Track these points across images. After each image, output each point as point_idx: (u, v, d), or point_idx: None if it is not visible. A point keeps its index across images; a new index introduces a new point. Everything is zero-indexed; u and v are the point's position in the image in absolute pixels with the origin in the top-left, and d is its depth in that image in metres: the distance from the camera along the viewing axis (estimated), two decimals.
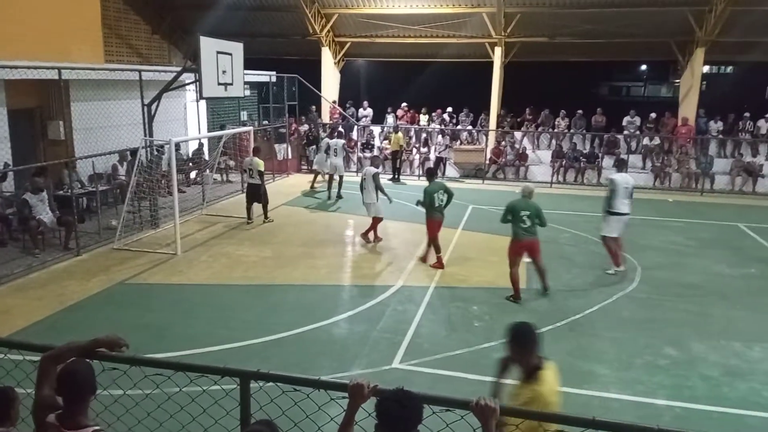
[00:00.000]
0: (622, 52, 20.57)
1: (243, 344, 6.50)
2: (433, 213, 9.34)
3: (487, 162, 17.78)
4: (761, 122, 17.61)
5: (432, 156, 18.03)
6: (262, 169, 11.80)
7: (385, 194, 10.62)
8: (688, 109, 17.81)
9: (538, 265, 8.19)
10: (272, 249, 10.28)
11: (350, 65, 24.11)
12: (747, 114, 17.88)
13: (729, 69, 39.06)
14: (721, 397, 5.66)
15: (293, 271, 9.14)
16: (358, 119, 20.11)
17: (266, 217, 12.04)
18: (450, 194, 9.35)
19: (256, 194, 11.86)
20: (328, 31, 19.57)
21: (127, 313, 7.40)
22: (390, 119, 19.79)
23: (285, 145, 17.86)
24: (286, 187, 15.96)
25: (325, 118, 19.94)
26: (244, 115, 18.35)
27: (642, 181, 16.86)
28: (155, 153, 11.49)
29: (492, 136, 18.54)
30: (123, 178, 12.47)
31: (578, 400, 5.48)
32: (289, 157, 17.97)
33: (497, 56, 18.61)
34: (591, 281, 8.92)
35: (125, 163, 12.71)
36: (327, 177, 14.73)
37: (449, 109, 19.75)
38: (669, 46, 18.13)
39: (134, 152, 11.24)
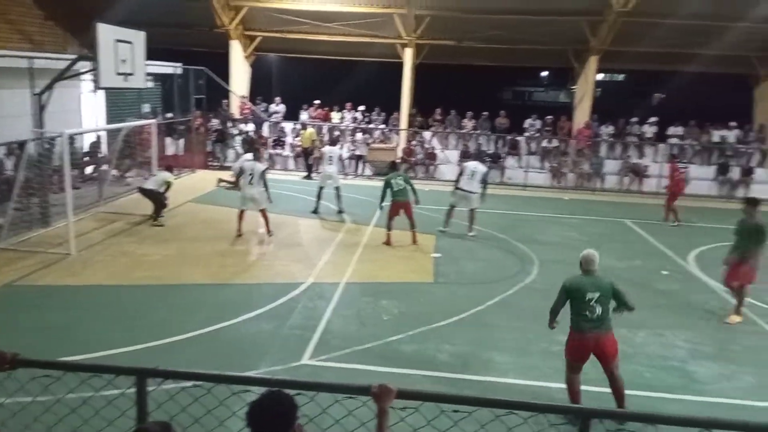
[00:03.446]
0: (524, 59, 21.65)
1: (145, 346, 6.23)
2: (393, 196, 10.59)
3: (399, 161, 18.09)
4: (646, 127, 19.18)
5: (344, 153, 18.10)
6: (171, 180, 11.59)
7: (268, 192, 10.70)
8: (583, 113, 19.07)
9: (614, 377, 5.32)
10: (177, 247, 9.91)
11: (262, 60, 23.65)
12: (635, 119, 19.41)
13: (621, 77, 42.25)
14: (605, 379, 6.13)
15: (200, 270, 8.88)
16: (269, 115, 19.80)
17: (156, 219, 11.30)
18: (408, 182, 10.77)
19: (151, 195, 11.35)
20: (238, 24, 19.10)
21: (15, 317, 6.87)
22: (304, 116, 19.66)
23: (179, 140, 17.09)
24: (193, 184, 15.42)
25: (236, 113, 19.46)
26: (146, 108, 17.49)
27: (540, 180, 17.91)
28: (46, 146, 10.71)
29: (403, 135, 18.90)
30: (10, 172, 11.53)
31: (480, 387, 5.75)
32: (181, 152, 17.18)
33: (408, 57, 18.99)
34: (494, 274, 9.35)
35: (13, 157, 11.75)
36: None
37: (361, 107, 19.91)
38: (566, 53, 19.34)
39: (22, 145, 10.42)
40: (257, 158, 11.24)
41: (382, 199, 10.92)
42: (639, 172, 17.89)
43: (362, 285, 8.58)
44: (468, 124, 19.49)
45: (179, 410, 2.82)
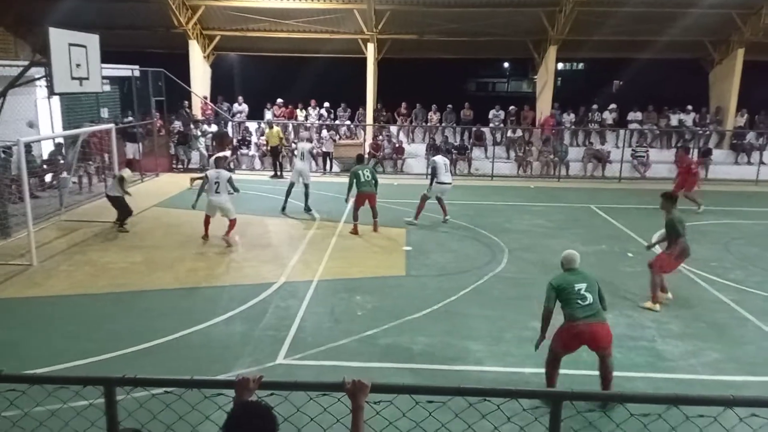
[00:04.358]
0: (485, 50, 21.86)
1: (112, 356, 6.09)
2: (360, 187, 11.00)
3: (367, 156, 18.08)
4: (606, 114, 19.58)
5: (314, 150, 18.01)
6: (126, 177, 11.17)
7: (236, 190, 10.71)
8: (545, 103, 19.35)
9: (605, 363, 5.35)
10: (143, 253, 9.71)
11: (223, 60, 23.30)
12: (595, 106, 19.79)
13: (581, 65, 43.02)
14: (577, 361, 6.24)
15: (167, 275, 8.72)
16: (232, 115, 19.54)
17: (121, 225, 11.00)
18: (374, 174, 11.24)
19: (116, 202, 11.00)
20: (196, 24, 18.77)
21: None
22: (268, 115, 19.46)
23: (139, 143, 16.69)
24: (157, 188, 15.13)
25: (198, 114, 19.14)
26: (104, 113, 17.04)
27: (507, 170, 18.13)
28: (2, 155, 10.36)
29: (369, 130, 18.89)
30: None
31: (455, 376, 5.80)
32: (140, 157, 16.71)
33: (370, 52, 18.97)
34: (465, 264, 9.43)
35: None
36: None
37: (326, 104, 19.81)
38: (526, 44, 19.58)
39: None
40: (221, 164, 10.96)
41: (349, 191, 11.27)
42: (601, 158, 18.26)
43: (335, 282, 8.56)
44: (433, 117, 19.59)
45: (150, 418, 2.77)
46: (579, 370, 5.81)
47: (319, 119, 19.35)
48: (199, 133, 17.95)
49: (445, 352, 6.39)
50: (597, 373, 5.39)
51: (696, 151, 17.92)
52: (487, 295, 8.15)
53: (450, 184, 11.92)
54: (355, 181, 11.09)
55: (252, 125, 19.35)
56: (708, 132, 19.01)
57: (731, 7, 16.91)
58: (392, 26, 18.58)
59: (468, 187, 15.60)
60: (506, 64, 46.44)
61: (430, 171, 12.20)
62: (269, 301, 7.75)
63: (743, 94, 18.80)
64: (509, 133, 19.09)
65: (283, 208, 12.56)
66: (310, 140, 13.54)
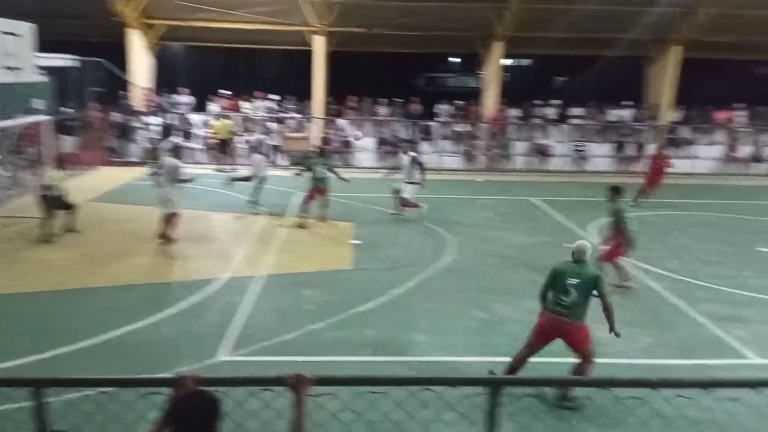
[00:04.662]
0: (434, 45, 22.02)
1: (47, 356, 5.86)
2: (314, 183, 11.14)
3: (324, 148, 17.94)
4: (550, 109, 20.12)
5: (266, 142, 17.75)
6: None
7: (187, 180, 9.83)
8: (492, 98, 19.70)
9: (581, 357, 5.33)
10: (82, 250, 9.35)
11: (169, 50, 22.56)
12: (539, 101, 20.29)
13: (527, 62, 43.92)
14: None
15: (107, 272, 8.42)
16: (175, 107, 18.99)
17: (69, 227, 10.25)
18: (331, 169, 11.34)
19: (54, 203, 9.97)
20: (139, 13, 18.11)
21: None
22: (213, 107, 19.02)
23: (76, 136, 16.00)
24: (96, 182, 14.56)
25: (139, 105, 18.51)
26: (38, 104, 16.24)
27: (454, 163, 18.40)
28: None
29: (318, 123, 18.75)
30: None
31: (400, 367, 5.88)
32: (78, 149, 16.07)
33: (319, 45, 18.81)
34: (413, 257, 9.53)
35: None
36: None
37: (274, 96, 19.53)
38: (473, 40, 19.86)
39: None
40: (175, 152, 10.11)
41: (302, 174, 11.47)
42: (544, 152, 18.77)
43: (282, 276, 8.49)
44: (383, 111, 19.63)
45: (83, 419, 2.69)
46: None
47: (266, 112, 19.07)
48: (140, 125, 17.37)
49: (391, 344, 6.45)
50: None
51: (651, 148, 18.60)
52: (433, 287, 8.27)
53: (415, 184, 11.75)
54: (311, 174, 11.16)
55: (197, 118, 18.86)
56: (644, 128, 19.81)
57: (671, 5, 17.63)
58: (341, 19, 18.46)
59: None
60: (455, 59, 46.97)
61: (416, 166, 11.78)
62: (214, 297, 7.62)
63: (681, 91, 19.67)
64: (457, 127, 19.35)
65: (253, 202, 12.14)
66: (266, 133, 13.38)
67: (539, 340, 5.40)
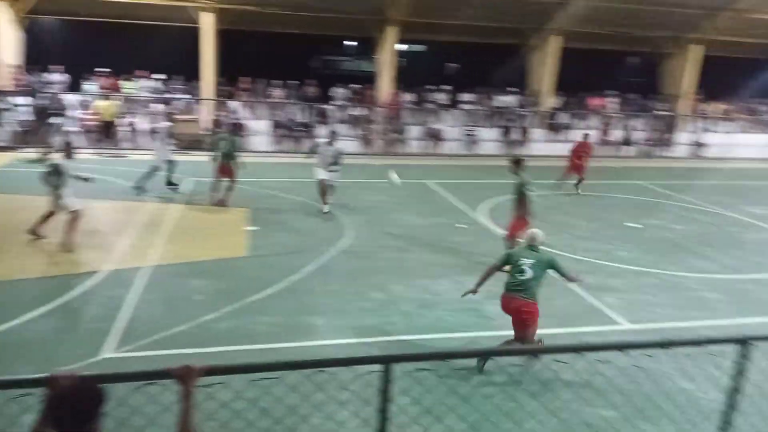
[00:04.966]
0: (329, 27, 21.77)
1: None
2: (222, 159, 11.15)
3: (207, 133, 17.23)
4: (442, 95, 20.72)
5: (147, 126, 16.73)
6: None
7: (82, 178, 8.90)
8: (387, 82, 19.92)
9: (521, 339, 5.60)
10: None
11: (40, 24, 20.44)
12: (432, 87, 20.81)
13: (422, 47, 44.80)
14: (417, 326, 6.65)
15: None
16: (47, 86, 17.38)
17: None
18: (235, 145, 11.39)
19: None
20: None
21: None
22: (89, 86, 17.61)
23: None
24: None
25: (6, 84, 16.71)
26: None
27: (351, 147, 18.41)
28: None
29: (209, 105, 17.99)
30: None
31: (298, 352, 5.83)
32: None
33: (208, 23, 17.97)
34: (310, 242, 9.47)
35: None
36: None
37: (160, 76, 18.44)
38: (368, 23, 19.89)
39: None
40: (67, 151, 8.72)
41: (210, 154, 11.57)
42: (438, 137, 19.34)
43: (171, 266, 8.09)
44: (277, 93, 19.21)
45: None
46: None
47: (151, 92, 17.98)
48: (5, 106, 15.73)
49: (289, 331, 6.39)
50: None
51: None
52: (332, 270, 8.27)
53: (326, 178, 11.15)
54: (218, 152, 11.23)
55: (73, 98, 17.38)
56: (527, 113, 20.99)
57: None
58: None
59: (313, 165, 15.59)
60: (351, 43, 46.88)
61: (338, 159, 11.19)
62: (96, 291, 7.11)
63: (560, 78, 20.99)
64: (353, 111, 19.40)
65: (171, 183, 12.10)
66: (168, 118, 12.83)
67: (505, 311, 5.73)
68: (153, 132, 16.45)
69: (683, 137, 21.44)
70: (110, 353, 5.68)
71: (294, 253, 8.88)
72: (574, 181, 14.31)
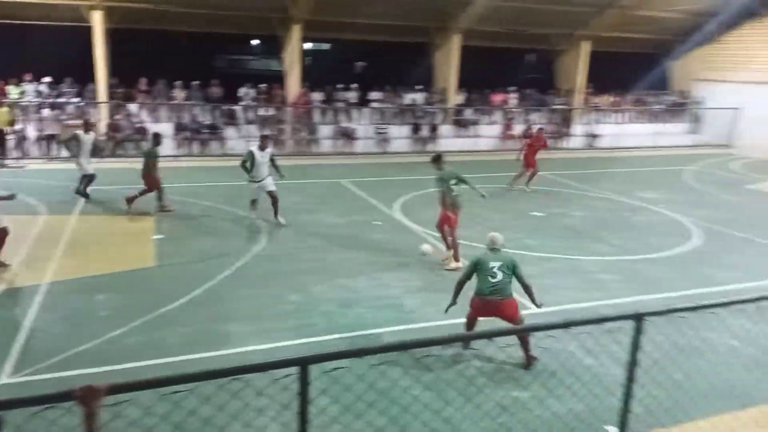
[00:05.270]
0: (231, 26, 21.18)
1: None
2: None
3: (104, 138, 16.24)
4: (351, 93, 20.76)
5: (31, 134, 15.51)
6: None
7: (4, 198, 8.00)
8: (294, 81, 19.68)
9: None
10: None
11: None
12: (340, 86, 20.81)
13: (327, 46, 44.61)
14: (338, 325, 6.64)
15: None
16: None
17: None
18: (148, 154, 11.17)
19: None
20: None
21: None
22: None
23: None
24: None
25: None
26: None
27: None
28: None
29: (104, 109, 16.97)
30: None
31: (216, 361, 5.65)
32: None
33: (98, 21, 16.92)
34: (223, 248, 9.19)
35: None
36: None
37: (47, 79, 17.15)
38: (271, 21, 19.52)
39: None
40: None
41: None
42: (349, 135, 19.38)
43: (71, 282, 7.59)
44: (179, 94, 18.45)
45: None
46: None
47: (38, 96, 16.69)
48: None
49: (206, 339, 6.18)
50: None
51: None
52: (247, 275, 8.09)
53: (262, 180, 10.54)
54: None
55: None
56: (435, 110, 21.50)
57: None
58: None
59: (222, 168, 15.15)
60: (256, 41, 45.84)
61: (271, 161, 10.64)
62: None
63: (463, 76, 21.64)
64: (261, 112, 19.01)
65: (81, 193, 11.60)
66: (88, 129, 11.96)
67: (474, 316, 5.97)
68: (40, 140, 15.34)
69: (578, 129, 22.79)
70: (6, 379, 5.25)
71: (207, 260, 8.60)
72: (525, 176, 14.42)
